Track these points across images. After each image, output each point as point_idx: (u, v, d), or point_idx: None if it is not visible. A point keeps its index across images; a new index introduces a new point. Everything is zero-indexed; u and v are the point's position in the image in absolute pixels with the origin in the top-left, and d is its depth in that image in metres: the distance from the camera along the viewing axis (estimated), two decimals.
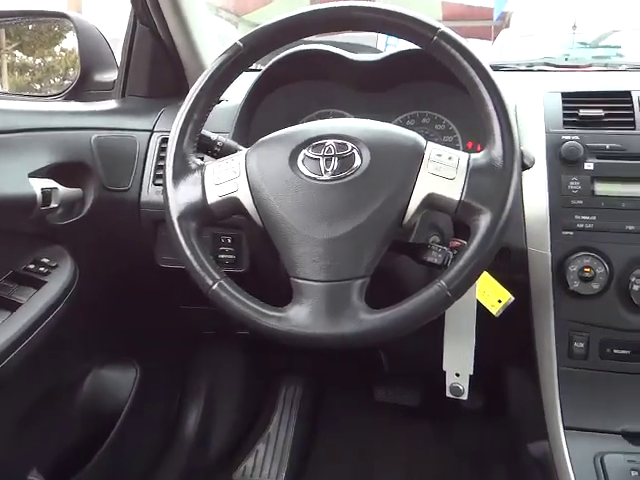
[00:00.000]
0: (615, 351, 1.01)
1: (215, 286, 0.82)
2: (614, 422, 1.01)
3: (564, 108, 1.05)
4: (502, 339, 1.12)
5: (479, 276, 0.81)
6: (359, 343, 0.79)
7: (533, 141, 1.04)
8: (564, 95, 1.07)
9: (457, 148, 1.16)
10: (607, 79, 1.38)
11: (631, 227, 0.98)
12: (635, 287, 0.97)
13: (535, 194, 1.02)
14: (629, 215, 0.98)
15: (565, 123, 1.04)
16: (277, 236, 0.83)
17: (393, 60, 1.15)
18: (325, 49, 1.16)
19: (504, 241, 1.02)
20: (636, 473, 0.94)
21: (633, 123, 1.01)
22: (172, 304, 1.38)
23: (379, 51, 1.19)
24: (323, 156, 0.83)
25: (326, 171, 0.82)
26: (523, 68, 1.55)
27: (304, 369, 1.79)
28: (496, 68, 1.56)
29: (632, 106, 1.03)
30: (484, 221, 0.78)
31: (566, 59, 1.59)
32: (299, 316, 0.79)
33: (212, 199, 0.85)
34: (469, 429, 1.60)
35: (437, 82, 1.14)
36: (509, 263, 1.03)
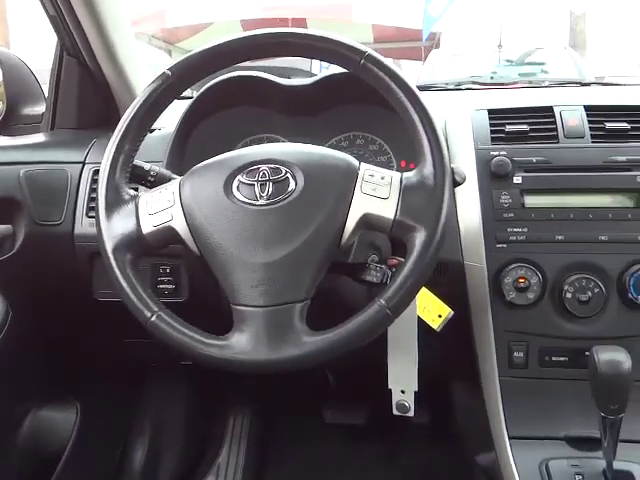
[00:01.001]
0: (553, 358, 1.04)
1: (153, 318, 0.81)
2: (557, 428, 1.03)
3: (491, 125, 1.09)
4: (445, 353, 1.13)
5: (417, 292, 0.82)
6: (302, 366, 0.78)
7: (463, 157, 1.07)
8: (490, 112, 1.11)
9: (391, 167, 1.18)
10: (531, 95, 1.43)
11: (561, 237, 1.01)
12: (568, 295, 1.00)
13: (468, 209, 1.05)
14: (558, 225, 1.02)
15: (493, 139, 1.07)
16: (215, 263, 0.82)
17: (324, 84, 1.16)
18: (256, 75, 1.17)
19: (441, 256, 1.03)
20: (580, 477, 0.96)
21: (556, 137, 1.05)
22: (114, 338, 1.35)
23: (314, 74, 1.20)
24: (258, 181, 0.83)
25: (261, 196, 0.82)
26: (452, 87, 1.60)
27: (251, 397, 1.77)
28: (426, 88, 1.61)
29: (555, 121, 1.07)
30: (419, 238, 0.79)
31: (492, 77, 1.66)
32: (240, 343, 0.78)
33: (147, 229, 0.84)
34: (417, 444, 1.61)
35: (369, 104, 1.16)
36: (447, 278, 1.05)
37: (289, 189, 0.82)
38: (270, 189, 0.82)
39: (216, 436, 1.71)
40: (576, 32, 10.25)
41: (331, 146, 1.19)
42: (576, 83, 1.62)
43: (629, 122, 1.05)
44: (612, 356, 0.90)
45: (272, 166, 0.84)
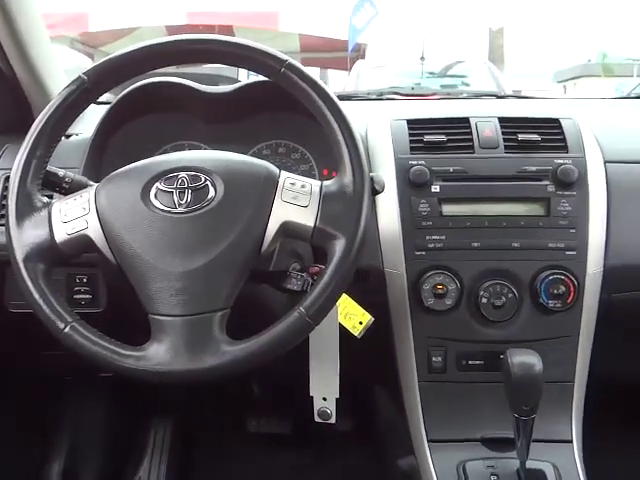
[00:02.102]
0: (470, 362, 1.07)
1: (67, 329, 0.79)
2: (474, 430, 1.06)
3: (410, 134, 1.11)
4: (366, 359, 1.14)
5: (337, 299, 0.83)
6: (222, 376, 0.78)
7: (384, 167, 1.09)
8: (409, 122, 1.13)
9: (313, 176, 1.19)
10: (449, 106, 1.47)
11: (476, 244, 1.04)
12: (483, 300, 1.03)
13: (388, 217, 1.07)
14: (474, 233, 1.05)
15: (412, 149, 1.09)
16: (132, 272, 0.81)
17: (245, 91, 1.16)
18: (175, 81, 1.15)
19: (362, 264, 1.05)
20: (495, 477, 0.99)
21: (472, 147, 1.08)
22: (29, 350, 1.29)
23: (239, 81, 1.20)
24: (176, 189, 0.82)
25: (180, 204, 0.81)
26: (374, 97, 1.63)
27: (173, 409, 1.74)
28: (348, 97, 1.63)
29: (471, 131, 1.10)
30: (339, 246, 0.80)
31: (413, 88, 1.69)
32: (158, 353, 0.77)
33: (60, 238, 0.82)
34: (341, 451, 1.61)
35: (291, 112, 1.16)
36: (368, 285, 1.06)
37: (208, 197, 0.81)
38: (189, 197, 0.81)
39: (137, 450, 1.66)
40: (495, 47, 10.64)
41: (253, 154, 1.19)
42: (492, 95, 1.68)
43: (540, 134, 1.09)
44: (524, 359, 0.94)
45: (191, 173, 0.83)
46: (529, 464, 0.99)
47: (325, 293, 0.79)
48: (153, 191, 0.83)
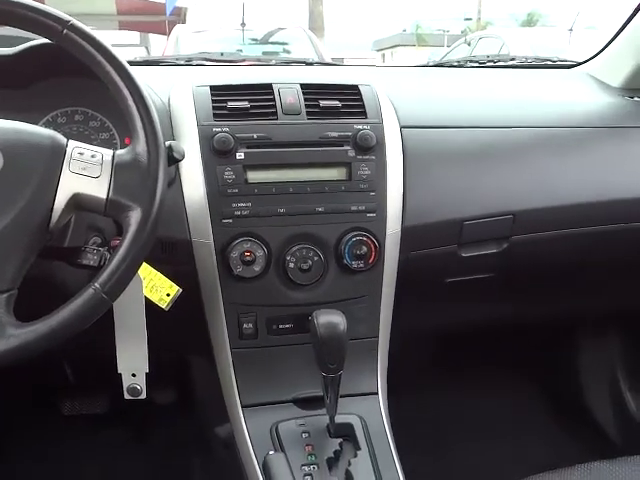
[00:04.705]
0: (280, 326, 1.09)
1: None
2: (286, 392, 1.09)
3: (213, 101, 1.09)
4: (179, 331, 1.13)
5: (135, 273, 0.80)
6: (10, 361, 0.73)
7: (187, 134, 1.06)
8: (213, 88, 1.11)
9: (114, 145, 1.13)
10: (257, 73, 1.47)
11: (282, 210, 1.06)
12: (291, 265, 1.05)
13: (193, 186, 1.04)
14: (279, 199, 1.06)
15: (215, 115, 1.07)
16: None
17: (31, 54, 1.07)
18: None
19: (168, 235, 1.03)
20: (306, 435, 1.03)
21: (275, 114, 1.09)
22: None
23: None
24: None
25: None
26: (182, 62, 1.58)
27: None
28: (155, 62, 1.57)
29: (274, 98, 1.10)
30: (134, 217, 0.78)
31: (222, 54, 1.65)
32: None
33: None
34: (164, 424, 1.59)
35: (86, 77, 1.09)
36: (175, 256, 1.04)
37: None
38: None
39: None
40: (315, 15, 10.81)
41: (47, 123, 1.11)
42: (301, 62, 1.70)
43: (340, 100, 1.12)
44: (329, 319, 0.97)
45: None
46: (338, 418, 1.03)
47: (121, 267, 0.77)
48: None
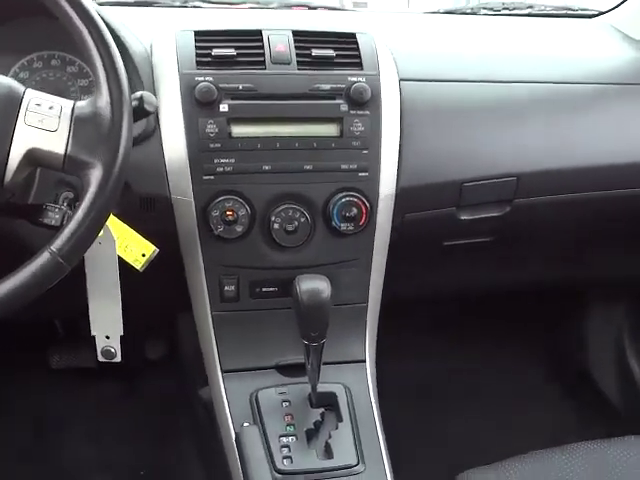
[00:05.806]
0: (264, 289, 1.04)
1: None
2: (268, 358, 1.05)
3: (197, 47, 1.01)
4: (161, 291, 1.09)
5: (95, 236, 0.75)
6: None
7: (167, 83, 0.99)
8: (197, 34, 1.03)
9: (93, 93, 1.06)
10: (249, 18, 1.38)
11: (267, 167, 0.99)
12: (275, 225, 0.99)
13: (174, 140, 0.98)
14: (265, 155, 0.99)
15: (198, 63, 0.99)
16: None
17: None
18: None
19: (147, 191, 0.98)
20: (287, 403, 0.99)
21: (263, 62, 1.01)
22: None
23: None
24: None
25: None
26: (177, 4, 1.48)
27: None
28: (148, 4, 1.47)
29: (262, 45, 1.02)
30: (95, 175, 0.72)
31: None
32: None
33: None
34: (153, 380, 1.57)
35: None
36: (154, 213, 0.99)
37: None
38: None
39: None
40: None
41: (21, 67, 1.04)
42: (304, 6, 1.59)
43: (335, 49, 1.03)
44: (312, 285, 0.92)
45: None
46: (321, 387, 0.99)
47: (79, 230, 0.71)
48: None
